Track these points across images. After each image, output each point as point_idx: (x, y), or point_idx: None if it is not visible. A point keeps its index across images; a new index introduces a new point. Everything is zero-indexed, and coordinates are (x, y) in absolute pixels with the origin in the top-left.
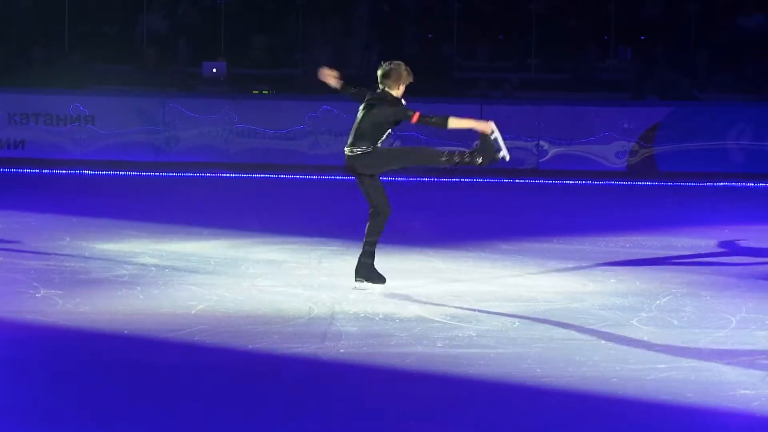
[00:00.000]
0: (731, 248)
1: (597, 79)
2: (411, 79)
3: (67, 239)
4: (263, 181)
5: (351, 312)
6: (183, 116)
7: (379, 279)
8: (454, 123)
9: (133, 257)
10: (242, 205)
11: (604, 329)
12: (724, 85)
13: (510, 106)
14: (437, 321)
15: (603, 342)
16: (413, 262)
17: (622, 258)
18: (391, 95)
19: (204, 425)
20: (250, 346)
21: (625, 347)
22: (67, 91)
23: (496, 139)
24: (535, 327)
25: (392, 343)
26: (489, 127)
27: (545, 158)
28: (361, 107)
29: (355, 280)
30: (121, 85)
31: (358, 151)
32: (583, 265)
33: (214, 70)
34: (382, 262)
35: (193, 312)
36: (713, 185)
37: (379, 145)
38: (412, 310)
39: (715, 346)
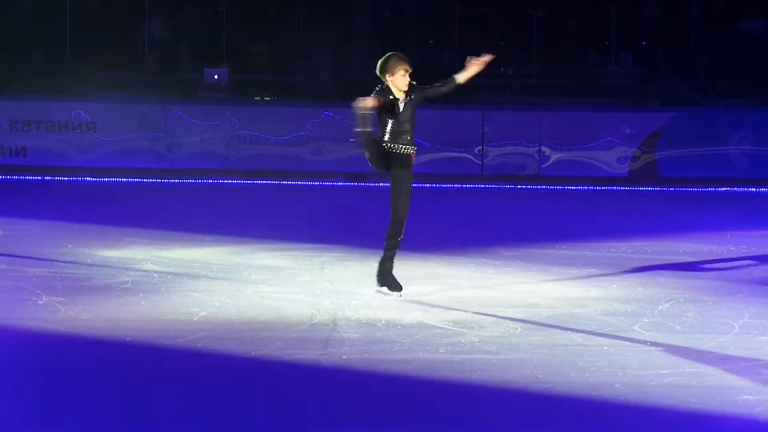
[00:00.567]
0: (733, 253)
1: (598, 85)
2: (402, 65)
3: (69, 246)
4: (265, 188)
5: (353, 318)
6: (184, 123)
7: (395, 287)
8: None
9: (135, 264)
10: (244, 212)
11: (606, 335)
12: (725, 91)
13: (511, 111)
14: (440, 327)
15: (605, 347)
16: (415, 268)
17: (624, 263)
18: (382, 85)
19: None
20: (252, 353)
21: (627, 353)
22: (68, 98)
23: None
24: (537, 333)
25: (395, 349)
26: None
27: (547, 164)
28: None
29: (377, 287)
30: (123, 92)
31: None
32: (586, 270)
33: (216, 77)
34: None
35: (195, 319)
36: (715, 190)
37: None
38: (414, 316)
39: (717, 352)
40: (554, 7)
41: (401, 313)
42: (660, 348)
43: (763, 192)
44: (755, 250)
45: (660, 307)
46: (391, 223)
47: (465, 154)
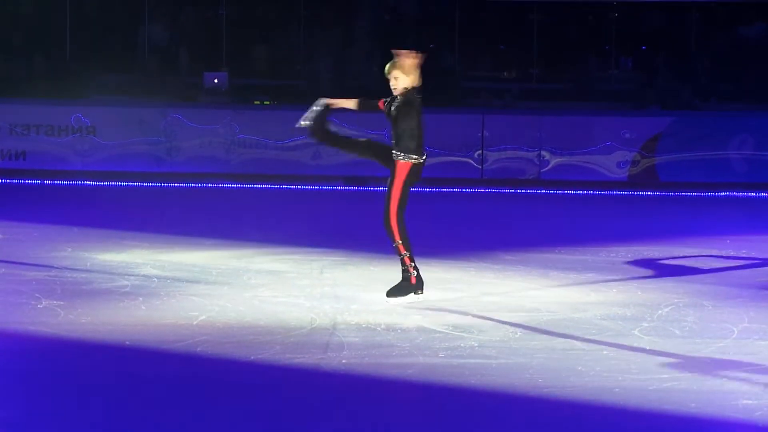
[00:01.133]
0: (733, 258)
1: (598, 89)
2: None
3: (69, 250)
4: (264, 192)
5: (353, 322)
6: (184, 126)
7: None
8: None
9: (134, 268)
10: (243, 216)
11: (606, 339)
12: (725, 95)
13: (511, 116)
14: (439, 331)
15: (605, 352)
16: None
17: (624, 268)
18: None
19: None
20: (252, 357)
21: (627, 357)
22: (68, 101)
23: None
24: (537, 337)
25: (394, 353)
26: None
27: (547, 168)
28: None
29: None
30: (123, 96)
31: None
32: (585, 275)
33: (216, 81)
34: (384, 273)
35: (194, 323)
36: (715, 195)
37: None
38: (414, 320)
39: (717, 356)
40: (554, 11)
41: (401, 317)
42: (659, 352)
43: (763, 197)
44: (755, 255)
45: (659, 311)
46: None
47: (465, 159)
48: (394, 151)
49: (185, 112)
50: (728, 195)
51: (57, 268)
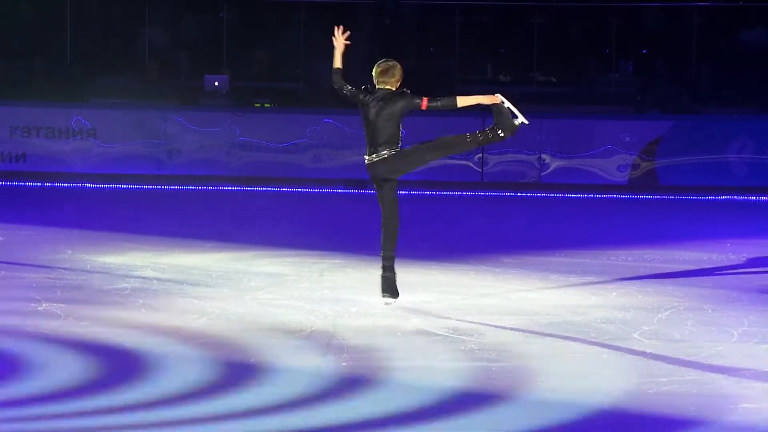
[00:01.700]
0: (733, 262)
1: (598, 93)
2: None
3: (69, 252)
4: (264, 195)
5: (353, 325)
6: (184, 129)
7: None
8: (463, 101)
9: (134, 270)
10: (243, 218)
11: (605, 342)
12: (725, 99)
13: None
14: (439, 334)
15: (604, 355)
16: (415, 276)
17: (624, 271)
18: (395, 90)
19: None
20: (251, 360)
21: (626, 361)
22: (68, 104)
23: (509, 108)
24: (536, 340)
25: (394, 356)
26: (497, 98)
27: (547, 171)
28: (370, 111)
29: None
30: (123, 99)
31: (385, 154)
32: (585, 278)
33: (216, 84)
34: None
35: (194, 325)
36: (715, 199)
37: (400, 144)
38: (413, 323)
39: (717, 360)
40: (555, 15)
41: (400, 320)
42: (659, 356)
43: (762, 200)
44: (755, 259)
45: (659, 315)
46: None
47: (465, 162)
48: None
49: (185, 115)
50: (728, 199)
51: (57, 270)
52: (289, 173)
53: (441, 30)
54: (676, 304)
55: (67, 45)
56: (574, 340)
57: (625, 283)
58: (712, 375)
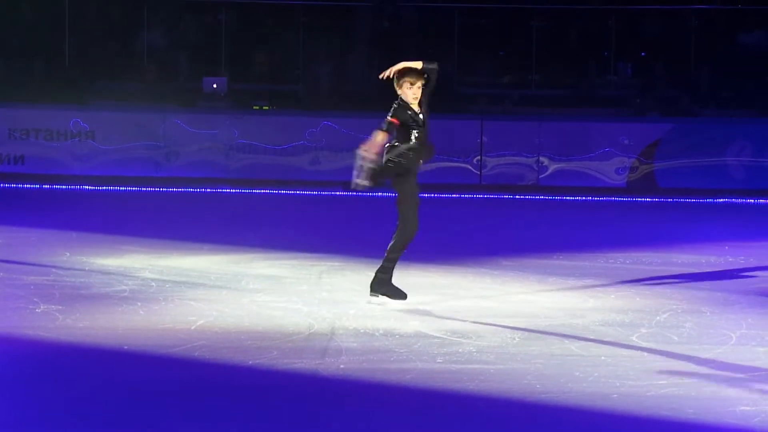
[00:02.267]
0: (731, 265)
1: (597, 96)
2: (408, 75)
3: (67, 254)
4: (263, 197)
5: (351, 328)
6: (183, 131)
7: (399, 295)
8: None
9: (133, 272)
10: (242, 221)
11: (604, 345)
12: (724, 102)
13: (510, 122)
14: (437, 337)
15: (603, 358)
16: (413, 278)
17: (622, 274)
18: (399, 100)
19: None
20: (250, 362)
21: (625, 363)
22: (67, 106)
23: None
24: (535, 343)
25: (392, 358)
26: (366, 155)
27: (545, 174)
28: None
29: (370, 294)
30: (122, 101)
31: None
32: (583, 280)
33: (215, 86)
34: None
35: (192, 327)
36: (713, 201)
37: (394, 152)
38: (412, 325)
39: (715, 363)
40: (554, 17)
41: (399, 322)
42: (657, 359)
43: (761, 203)
44: (753, 261)
45: (658, 317)
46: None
47: (463, 164)
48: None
49: (184, 117)
50: (727, 201)
51: (55, 272)
52: (287, 175)
53: (440, 33)
54: (674, 306)
55: (66, 47)
56: (573, 342)
57: (624, 285)
58: (711, 377)
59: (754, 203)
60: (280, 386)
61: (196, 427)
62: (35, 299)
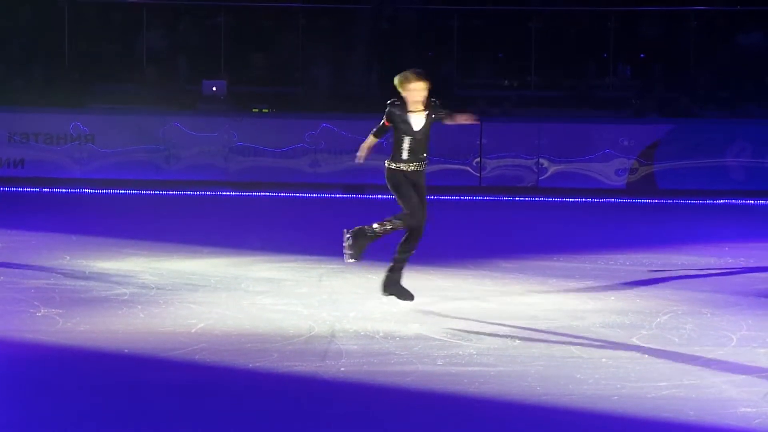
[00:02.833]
0: (731, 266)
1: (596, 97)
2: (409, 81)
3: (67, 258)
4: (263, 199)
5: (351, 330)
6: (183, 134)
7: (406, 296)
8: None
9: (133, 276)
10: (242, 224)
11: (604, 347)
12: (723, 103)
13: (509, 123)
14: (438, 339)
15: (604, 360)
16: (414, 280)
17: (623, 276)
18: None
19: None
20: (250, 365)
21: (625, 365)
22: (67, 109)
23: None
24: (535, 345)
25: (393, 361)
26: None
27: (545, 176)
28: None
29: (382, 294)
30: (121, 104)
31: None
32: (584, 282)
33: (214, 89)
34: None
35: (193, 330)
36: (713, 203)
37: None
38: (412, 328)
39: (716, 364)
40: (553, 19)
41: (399, 325)
42: (658, 360)
43: (761, 204)
44: (753, 263)
45: (658, 319)
46: (416, 234)
47: (463, 166)
48: (423, 162)
49: (184, 120)
50: (726, 202)
51: (55, 276)
52: (287, 178)
53: (439, 35)
54: (674, 308)
55: (65, 50)
56: (573, 344)
57: (624, 287)
58: (711, 379)
59: (753, 204)
60: (281, 389)
61: (197, 430)
62: (36, 303)
